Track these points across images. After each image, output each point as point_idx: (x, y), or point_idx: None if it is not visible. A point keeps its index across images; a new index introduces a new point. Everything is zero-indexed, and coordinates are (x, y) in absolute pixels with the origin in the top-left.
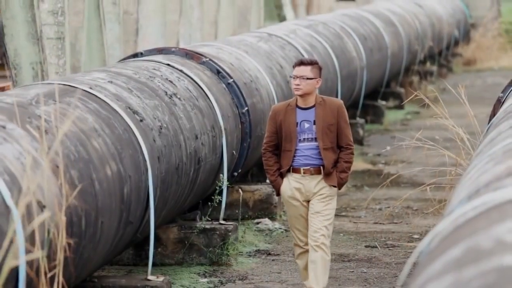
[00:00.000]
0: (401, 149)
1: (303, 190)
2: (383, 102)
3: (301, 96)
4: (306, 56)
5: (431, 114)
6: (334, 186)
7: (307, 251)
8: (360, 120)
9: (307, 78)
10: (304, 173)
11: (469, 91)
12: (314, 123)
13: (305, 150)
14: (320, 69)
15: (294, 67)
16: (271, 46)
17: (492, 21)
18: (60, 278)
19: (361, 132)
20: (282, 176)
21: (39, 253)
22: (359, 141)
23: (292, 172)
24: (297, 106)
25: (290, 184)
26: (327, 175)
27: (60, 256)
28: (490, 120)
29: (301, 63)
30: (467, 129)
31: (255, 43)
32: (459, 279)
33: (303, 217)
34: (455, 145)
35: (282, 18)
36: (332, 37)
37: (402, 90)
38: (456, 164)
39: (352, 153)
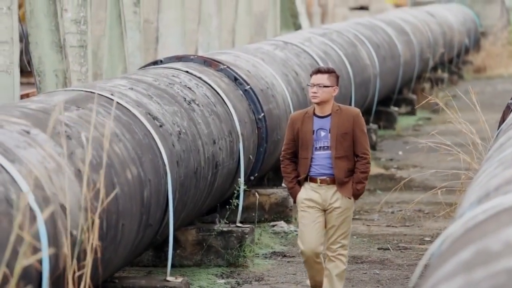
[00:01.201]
0: (413, 154)
1: (320, 199)
2: (396, 108)
3: (318, 104)
4: (321, 63)
5: (442, 120)
6: (350, 198)
7: (310, 257)
8: (373, 126)
9: (324, 86)
10: (320, 183)
11: (480, 97)
12: (330, 131)
13: (321, 158)
14: (337, 77)
15: (311, 75)
16: (287, 54)
17: (501, 30)
18: (87, 280)
19: (374, 137)
20: (300, 183)
21: (65, 254)
22: (372, 146)
23: (310, 181)
24: (314, 114)
25: (307, 193)
26: (340, 185)
27: (88, 257)
28: (499, 126)
29: (318, 71)
30: (477, 134)
31: (272, 51)
32: (469, 281)
33: (318, 223)
34: (466, 150)
35: (297, 27)
36: (346, 45)
37: (414, 96)
38: (469, 168)
39: (369, 163)
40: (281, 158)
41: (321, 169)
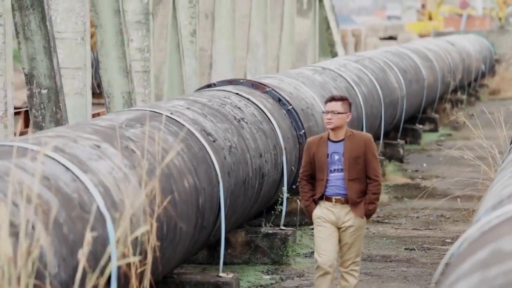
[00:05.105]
0: (436, 166)
1: (334, 217)
2: (420, 126)
3: (332, 129)
4: (355, 86)
5: (461, 136)
6: (362, 217)
7: (328, 273)
8: (401, 141)
9: (338, 113)
10: (335, 202)
11: (494, 117)
12: (343, 155)
13: (335, 180)
14: (350, 104)
15: (326, 102)
16: (325, 78)
17: None
18: (148, 275)
19: (401, 151)
20: (315, 202)
21: (130, 254)
22: (400, 159)
23: (325, 200)
24: (328, 139)
25: (322, 211)
26: (353, 205)
27: (149, 256)
28: None
29: (333, 99)
30: (493, 148)
31: (311, 75)
32: (485, 277)
33: (333, 237)
34: (484, 162)
35: (334, 54)
36: (377, 70)
37: (436, 115)
38: (485, 178)
39: (380, 185)
40: (298, 179)
41: (336, 190)
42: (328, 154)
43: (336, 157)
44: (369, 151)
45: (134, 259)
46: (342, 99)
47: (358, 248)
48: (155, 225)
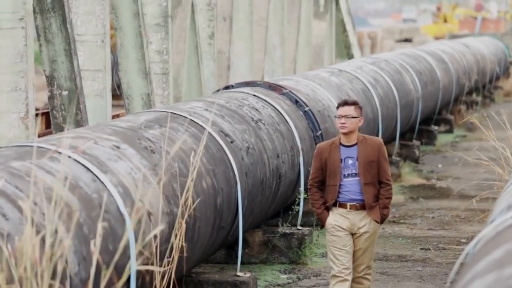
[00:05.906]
0: (451, 167)
1: (349, 224)
2: (436, 127)
3: (345, 134)
4: (371, 88)
5: (476, 138)
6: (377, 222)
7: (344, 280)
8: (416, 142)
9: (352, 117)
10: (350, 208)
11: (508, 118)
12: (357, 160)
13: (349, 185)
14: (361, 108)
15: (338, 107)
16: (341, 79)
17: None
18: (172, 274)
19: (417, 152)
20: (328, 209)
21: (150, 252)
22: (415, 160)
23: (339, 206)
24: (340, 144)
25: (336, 218)
26: (370, 209)
27: (174, 255)
28: None
29: (345, 103)
30: (505, 150)
31: (328, 77)
32: (500, 277)
33: (349, 246)
34: (498, 163)
35: (350, 56)
36: (393, 72)
37: (451, 117)
38: (500, 180)
39: (391, 189)
40: (308, 186)
41: (350, 195)
42: (341, 159)
43: (350, 161)
44: (382, 155)
45: (152, 259)
46: (354, 103)
47: (372, 252)
48: (184, 226)
